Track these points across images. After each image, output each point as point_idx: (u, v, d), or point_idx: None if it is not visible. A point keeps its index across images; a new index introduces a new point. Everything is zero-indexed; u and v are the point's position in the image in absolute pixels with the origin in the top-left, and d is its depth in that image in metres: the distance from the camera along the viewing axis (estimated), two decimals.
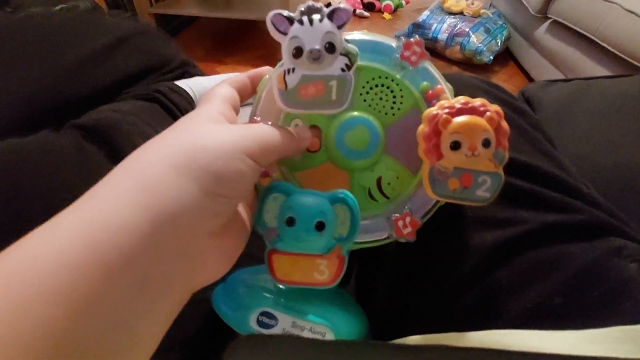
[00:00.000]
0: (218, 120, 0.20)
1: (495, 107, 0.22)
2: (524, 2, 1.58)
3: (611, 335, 0.20)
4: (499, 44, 1.67)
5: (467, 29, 1.65)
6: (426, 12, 1.80)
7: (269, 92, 0.24)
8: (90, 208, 0.15)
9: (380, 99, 0.24)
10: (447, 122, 0.21)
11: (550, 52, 1.44)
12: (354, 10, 2.23)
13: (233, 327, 0.24)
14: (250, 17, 1.66)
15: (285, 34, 0.21)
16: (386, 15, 2.23)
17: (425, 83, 0.24)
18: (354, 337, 0.25)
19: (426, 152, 0.22)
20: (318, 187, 0.23)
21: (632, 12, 1.07)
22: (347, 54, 0.22)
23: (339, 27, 0.21)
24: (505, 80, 1.65)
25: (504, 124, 0.22)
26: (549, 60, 1.46)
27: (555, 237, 0.25)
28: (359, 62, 0.23)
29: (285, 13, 0.21)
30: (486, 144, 0.21)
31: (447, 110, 0.21)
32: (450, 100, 0.23)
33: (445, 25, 1.71)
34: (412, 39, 0.23)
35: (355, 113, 0.24)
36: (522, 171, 0.28)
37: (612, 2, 1.13)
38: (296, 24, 0.21)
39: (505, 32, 1.70)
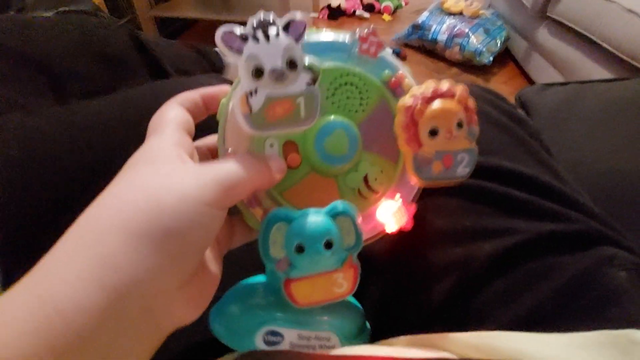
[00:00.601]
0: (175, 158, 0.18)
1: (461, 87, 0.23)
2: (524, 1, 1.58)
3: (597, 340, 0.21)
4: (499, 45, 1.67)
5: (467, 30, 1.65)
6: (425, 13, 1.80)
7: (233, 116, 0.22)
8: (44, 288, 0.14)
9: (347, 97, 0.24)
10: (422, 111, 0.22)
11: (549, 52, 1.44)
12: (354, 12, 2.23)
13: (236, 348, 0.24)
14: None
15: (239, 52, 0.19)
16: (386, 17, 2.23)
17: (386, 72, 0.24)
18: (356, 333, 0.26)
19: (407, 142, 0.22)
20: (308, 200, 0.23)
21: (632, 11, 1.06)
22: (309, 68, 0.20)
23: (296, 40, 0.20)
24: (505, 81, 1.65)
25: (471, 102, 0.23)
26: (548, 60, 1.46)
27: (550, 247, 0.26)
28: (319, 65, 0.22)
29: (237, 29, 0.19)
30: (460, 124, 0.22)
31: (421, 99, 0.22)
32: (413, 83, 0.24)
33: (444, 26, 1.71)
34: (366, 30, 0.23)
35: (330, 118, 0.23)
36: (520, 181, 0.29)
37: (612, 1, 1.13)
38: (251, 41, 0.19)
39: (504, 33, 1.70)
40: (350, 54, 0.23)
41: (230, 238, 0.24)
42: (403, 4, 2.34)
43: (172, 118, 0.21)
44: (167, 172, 0.17)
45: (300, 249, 0.21)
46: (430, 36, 1.74)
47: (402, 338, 0.25)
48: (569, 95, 0.47)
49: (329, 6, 2.21)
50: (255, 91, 0.20)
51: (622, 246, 0.27)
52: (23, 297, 0.14)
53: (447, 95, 0.22)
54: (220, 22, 0.20)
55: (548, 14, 1.42)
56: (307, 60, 0.20)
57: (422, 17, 1.79)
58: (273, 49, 0.19)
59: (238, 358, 0.22)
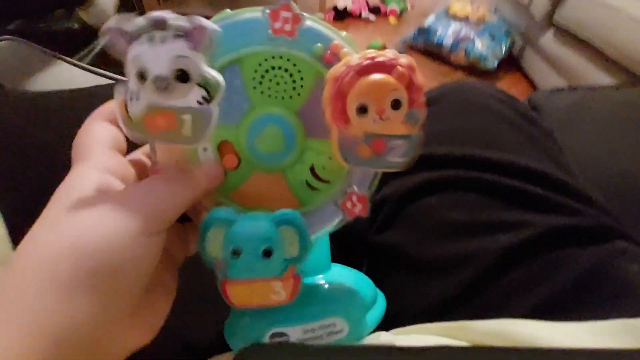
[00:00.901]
0: (101, 189, 0.17)
1: (407, 61, 0.19)
2: (530, 8, 1.59)
3: (613, 328, 0.21)
4: (504, 50, 1.67)
5: (472, 35, 1.66)
6: (431, 17, 1.81)
7: None
8: None
9: (278, 83, 0.21)
10: (351, 83, 0.18)
11: (554, 59, 1.45)
12: (360, 14, 2.24)
13: None
14: None
15: (124, 53, 0.17)
16: (391, 20, 2.24)
17: (317, 45, 0.20)
18: (362, 309, 0.25)
19: (332, 117, 0.19)
20: (257, 198, 0.22)
21: (638, 20, 1.07)
22: (205, 85, 0.17)
23: (195, 48, 0.17)
24: (509, 86, 1.66)
25: (418, 79, 0.19)
26: (553, 67, 1.47)
27: (565, 240, 0.26)
28: (235, 53, 0.20)
29: (126, 26, 0.16)
30: (397, 105, 0.19)
31: (352, 69, 0.19)
32: (353, 53, 0.20)
33: (450, 31, 1.72)
34: (277, 5, 0.19)
35: (258, 114, 0.21)
36: (535, 178, 0.29)
37: (618, 9, 1.13)
38: (138, 41, 0.16)
39: (509, 39, 1.70)
40: (267, 33, 0.20)
41: (184, 246, 0.23)
42: (409, 7, 2.35)
43: (97, 138, 0.20)
44: (91, 210, 0.16)
45: (236, 253, 0.20)
46: (435, 40, 1.74)
47: (417, 326, 0.25)
48: (579, 99, 0.48)
49: (335, 8, 2.21)
50: (137, 95, 0.17)
51: (633, 241, 0.27)
52: None
53: (386, 67, 0.19)
54: None
55: (554, 20, 1.43)
56: (207, 75, 0.17)
57: (428, 21, 1.80)
58: (160, 54, 0.16)
59: (241, 351, 0.22)
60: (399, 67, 0.19)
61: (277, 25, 0.20)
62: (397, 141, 0.20)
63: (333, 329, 0.24)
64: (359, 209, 0.22)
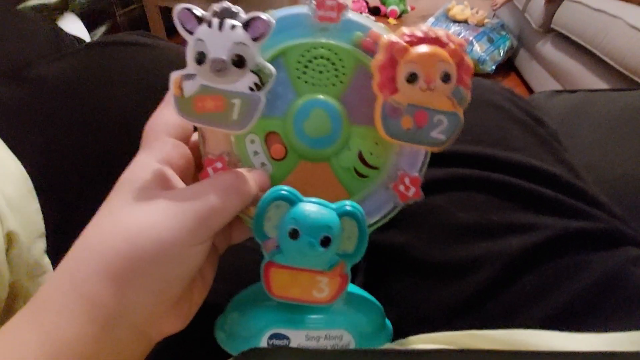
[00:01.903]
0: (157, 186, 0.18)
1: (459, 40, 0.20)
2: (527, 17, 1.60)
3: (629, 340, 0.20)
4: (502, 54, 1.69)
5: (471, 38, 1.67)
6: (431, 19, 1.82)
7: None
8: (45, 321, 0.16)
9: (321, 72, 0.22)
10: (405, 50, 0.19)
11: (551, 64, 1.46)
12: (359, 14, 2.24)
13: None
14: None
15: (191, 33, 0.18)
16: (391, 21, 2.24)
17: (357, 33, 0.21)
18: (374, 331, 0.24)
19: (380, 85, 0.20)
20: (303, 189, 0.21)
21: (636, 27, 1.08)
22: (258, 72, 0.19)
23: (255, 40, 0.18)
24: None
25: (468, 60, 0.20)
26: (550, 72, 1.48)
27: (577, 244, 0.26)
28: (281, 45, 0.21)
29: (196, 10, 0.18)
30: (446, 78, 0.19)
31: (406, 39, 0.19)
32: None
33: None
34: None
35: (304, 99, 0.22)
36: (544, 179, 0.28)
37: (616, 16, 1.15)
38: (204, 26, 0.18)
39: (507, 43, 1.71)
40: (310, 26, 0.21)
41: (227, 238, 0.24)
42: (409, 9, 2.35)
43: (165, 125, 0.20)
44: (146, 211, 0.18)
45: (294, 235, 0.19)
46: None
47: (423, 336, 0.24)
48: (579, 102, 0.48)
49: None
50: (193, 76, 0.19)
51: None
52: (31, 329, 0.16)
53: (440, 42, 0.19)
54: None
55: (552, 26, 1.44)
56: (261, 64, 0.19)
57: (428, 23, 1.80)
58: (222, 39, 0.18)
59: (239, 356, 0.21)
60: (451, 43, 0.19)
61: (323, 13, 0.21)
62: (440, 116, 0.20)
63: (338, 342, 0.22)
64: (413, 192, 0.22)
